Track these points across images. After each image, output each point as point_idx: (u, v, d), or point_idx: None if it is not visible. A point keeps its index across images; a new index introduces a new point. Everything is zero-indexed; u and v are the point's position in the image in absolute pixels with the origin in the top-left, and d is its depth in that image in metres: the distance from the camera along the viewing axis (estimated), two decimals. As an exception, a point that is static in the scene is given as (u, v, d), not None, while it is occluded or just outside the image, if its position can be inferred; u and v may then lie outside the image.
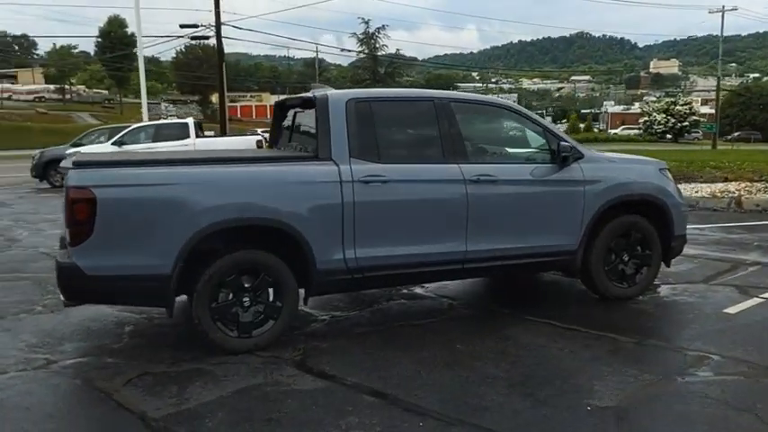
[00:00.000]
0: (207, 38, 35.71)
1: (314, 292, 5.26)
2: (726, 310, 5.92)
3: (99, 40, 76.45)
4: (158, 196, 4.74)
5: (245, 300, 4.98)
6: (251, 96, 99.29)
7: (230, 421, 3.85)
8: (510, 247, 5.73)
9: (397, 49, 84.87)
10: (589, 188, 5.98)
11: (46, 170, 19.33)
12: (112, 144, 18.50)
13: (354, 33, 60.88)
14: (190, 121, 19.39)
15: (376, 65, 60.98)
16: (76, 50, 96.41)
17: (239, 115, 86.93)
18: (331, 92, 5.55)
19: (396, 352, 4.98)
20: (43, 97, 76.89)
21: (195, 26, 36.01)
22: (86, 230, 4.59)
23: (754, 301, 6.21)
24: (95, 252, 4.62)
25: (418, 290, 6.75)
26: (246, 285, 4.97)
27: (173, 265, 4.69)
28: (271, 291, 5.05)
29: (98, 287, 4.68)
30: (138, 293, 4.79)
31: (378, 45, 60.61)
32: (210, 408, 4.03)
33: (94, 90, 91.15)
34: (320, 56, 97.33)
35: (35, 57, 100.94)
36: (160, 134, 18.74)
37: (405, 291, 6.71)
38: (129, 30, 67.48)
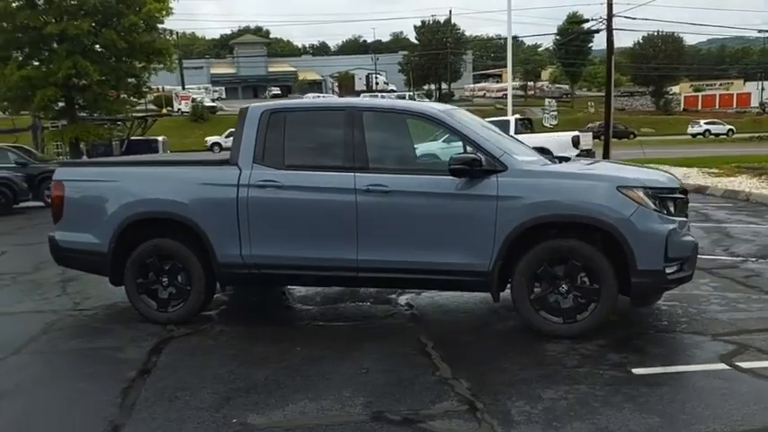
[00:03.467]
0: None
1: (220, 281, 6.10)
2: None
3: (557, 37, 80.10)
4: (102, 190, 6.23)
5: (163, 280, 6.14)
6: (720, 84, 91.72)
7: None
8: (406, 261, 5.63)
9: None
10: (503, 205, 5.41)
11: None
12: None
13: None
14: (512, 118, 20.05)
15: None
16: (540, 48, 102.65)
17: (699, 106, 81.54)
18: (257, 104, 6.24)
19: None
20: (504, 95, 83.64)
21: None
22: (59, 213, 6.37)
23: None
24: (65, 229, 6.37)
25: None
26: (166, 268, 6.12)
27: (107, 245, 6.13)
28: (183, 275, 6.09)
29: (67, 256, 6.43)
30: (89, 264, 6.39)
31: None
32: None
33: (556, 85, 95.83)
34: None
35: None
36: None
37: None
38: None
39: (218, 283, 6.20)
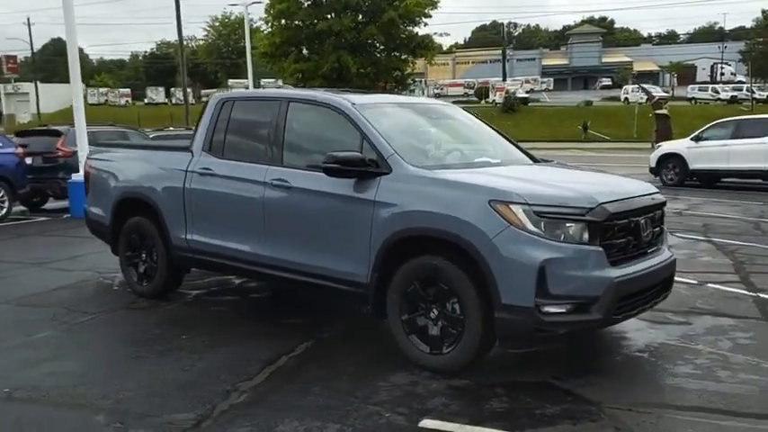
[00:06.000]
0: None
1: (175, 262, 6.42)
2: None
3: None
4: (108, 171, 6.96)
5: (142, 256, 6.68)
6: None
7: None
8: (297, 261, 5.35)
9: None
10: (378, 212, 4.83)
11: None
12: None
13: None
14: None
15: None
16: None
17: None
18: (220, 93, 6.37)
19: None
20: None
21: None
22: (87, 188, 7.27)
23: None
24: (90, 203, 7.26)
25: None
26: (143, 244, 6.66)
27: (109, 218, 6.88)
28: (153, 252, 6.56)
29: (92, 226, 7.31)
30: (102, 234, 7.17)
31: None
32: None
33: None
34: None
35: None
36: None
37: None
38: None
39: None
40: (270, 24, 24.78)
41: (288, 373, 4.70)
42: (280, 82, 27.53)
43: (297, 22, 23.74)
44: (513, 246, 4.28)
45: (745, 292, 6.66)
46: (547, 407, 4.11)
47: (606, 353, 5.21)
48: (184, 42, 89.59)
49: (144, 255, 6.67)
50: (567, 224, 4.35)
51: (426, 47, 24.72)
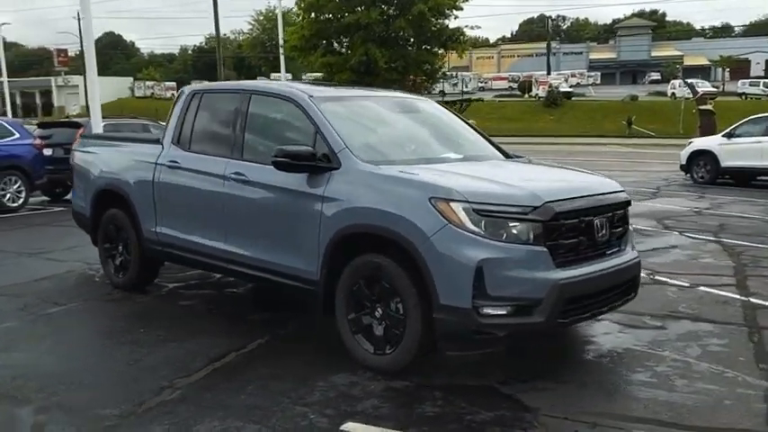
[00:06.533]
0: None
1: (147, 254, 6.38)
2: None
3: None
4: (88, 163, 6.99)
5: (119, 247, 6.70)
6: None
7: None
8: (255, 257, 5.28)
9: None
10: (326, 207, 4.72)
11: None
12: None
13: None
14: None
15: None
16: None
17: None
18: (191, 85, 6.31)
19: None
20: None
21: None
22: (71, 180, 7.31)
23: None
24: (75, 194, 7.31)
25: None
26: (116, 235, 6.66)
27: (89, 210, 6.91)
28: (129, 244, 6.55)
29: (76, 218, 7.36)
30: (85, 226, 7.18)
31: None
32: None
33: None
34: None
35: None
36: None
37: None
38: None
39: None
40: (300, 17, 24.79)
41: (230, 371, 4.62)
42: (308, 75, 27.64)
43: (326, 15, 23.72)
44: (450, 245, 4.13)
45: (737, 296, 6.34)
46: (480, 412, 3.95)
47: (566, 356, 5.00)
48: (230, 36, 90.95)
49: (120, 247, 6.68)
50: (511, 223, 4.17)
51: (458, 40, 24.37)
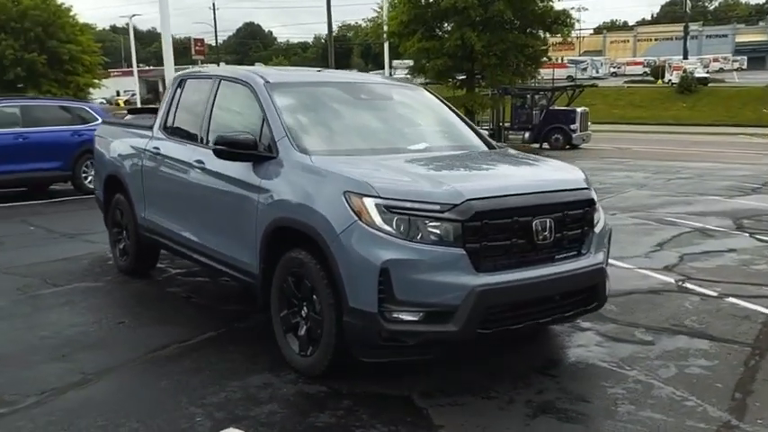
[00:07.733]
0: None
1: (141, 240, 6.42)
2: None
3: None
4: (102, 148, 7.15)
5: (123, 232, 6.81)
6: None
7: None
8: (211, 247, 5.18)
9: None
10: (261, 198, 4.51)
11: None
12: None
13: None
14: None
15: None
16: None
17: None
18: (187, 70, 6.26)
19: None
20: None
21: None
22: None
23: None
24: (94, 180, 7.51)
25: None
26: (122, 219, 6.78)
27: (102, 195, 7.10)
28: (128, 228, 6.65)
29: (97, 202, 7.55)
30: (101, 209, 7.33)
31: None
32: None
33: None
34: None
35: None
36: None
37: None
38: None
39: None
40: (400, 2, 24.52)
41: (156, 363, 4.53)
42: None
43: (423, 0, 23.33)
44: (358, 243, 3.80)
45: (765, 311, 5.54)
46: (376, 426, 3.63)
47: (509, 369, 4.44)
48: (360, 24, 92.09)
49: (124, 232, 6.79)
50: (427, 222, 3.79)
51: (564, 23, 23.24)
